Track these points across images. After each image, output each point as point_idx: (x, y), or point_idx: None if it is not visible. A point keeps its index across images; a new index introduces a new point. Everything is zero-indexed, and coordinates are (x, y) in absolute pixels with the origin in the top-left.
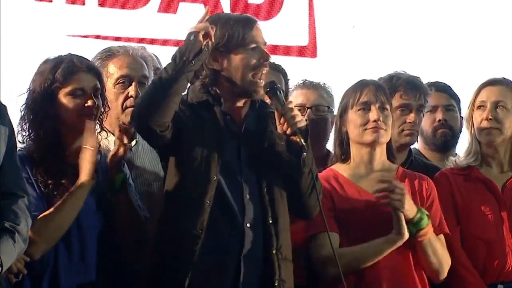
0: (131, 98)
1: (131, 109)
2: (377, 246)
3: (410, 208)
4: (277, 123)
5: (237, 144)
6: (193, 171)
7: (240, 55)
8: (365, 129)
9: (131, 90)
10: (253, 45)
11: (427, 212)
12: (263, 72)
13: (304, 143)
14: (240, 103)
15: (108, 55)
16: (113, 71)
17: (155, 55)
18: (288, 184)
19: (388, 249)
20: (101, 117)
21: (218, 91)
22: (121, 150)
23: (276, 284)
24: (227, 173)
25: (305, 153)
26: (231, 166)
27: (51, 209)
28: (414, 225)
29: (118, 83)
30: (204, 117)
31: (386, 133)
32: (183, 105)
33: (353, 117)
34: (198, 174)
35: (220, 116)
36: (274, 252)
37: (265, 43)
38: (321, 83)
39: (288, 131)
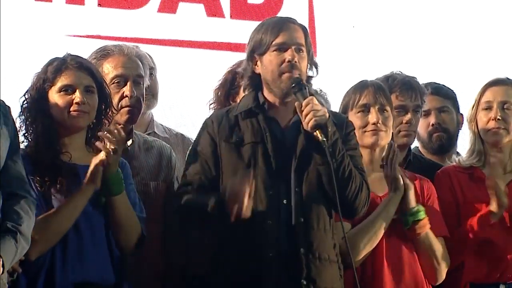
0: (126, 98)
1: (126, 109)
2: (385, 210)
3: (413, 198)
4: (301, 119)
5: (278, 147)
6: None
7: (269, 56)
8: (365, 132)
9: (126, 89)
10: (279, 46)
11: (424, 208)
12: (291, 71)
13: (324, 138)
14: (284, 107)
15: (102, 54)
16: (108, 70)
17: (148, 54)
18: (323, 184)
19: (394, 208)
20: (102, 117)
21: (265, 96)
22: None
23: (305, 283)
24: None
25: (325, 148)
26: (271, 169)
27: (51, 211)
28: (412, 215)
29: (113, 83)
30: (245, 128)
31: (386, 135)
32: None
33: (353, 119)
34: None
35: (262, 124)
36: (302, 251)
37: (297, 42)
38: (317, 90)
39: (308, 127)
